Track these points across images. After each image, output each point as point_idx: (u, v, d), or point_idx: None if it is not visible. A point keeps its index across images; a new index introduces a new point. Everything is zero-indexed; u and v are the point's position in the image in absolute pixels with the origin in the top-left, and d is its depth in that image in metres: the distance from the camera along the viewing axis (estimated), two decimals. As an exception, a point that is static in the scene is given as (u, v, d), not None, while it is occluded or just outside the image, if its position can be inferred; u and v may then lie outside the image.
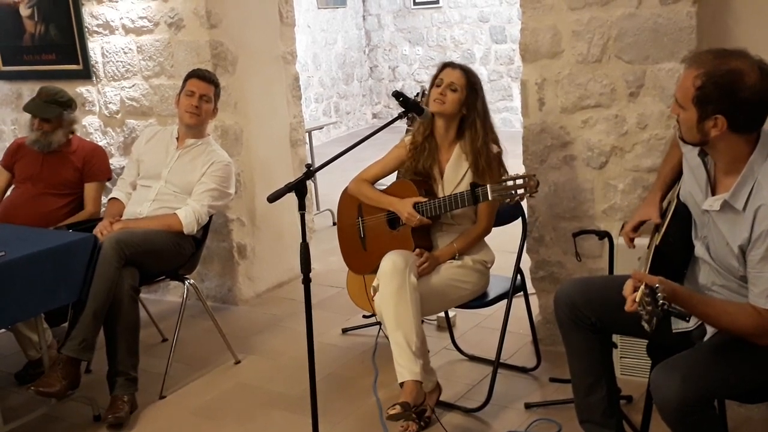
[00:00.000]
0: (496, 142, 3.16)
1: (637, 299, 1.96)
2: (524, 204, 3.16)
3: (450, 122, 3.15)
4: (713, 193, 2.22)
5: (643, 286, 1.97)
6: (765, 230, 2.05)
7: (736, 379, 2.14)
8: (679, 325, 2.38)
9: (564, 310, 2.52)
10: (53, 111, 3.96)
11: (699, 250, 2.31)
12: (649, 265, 2.31)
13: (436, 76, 3.16)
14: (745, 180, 2.11)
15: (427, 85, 3.32)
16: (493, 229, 3.25)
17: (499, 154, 3.15)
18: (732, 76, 2.04)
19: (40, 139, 3.97)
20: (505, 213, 3.31)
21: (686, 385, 2.03)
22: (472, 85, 3.11)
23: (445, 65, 3.17)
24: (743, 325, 2.09)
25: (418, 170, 3.20)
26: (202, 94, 3.70)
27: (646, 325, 1.94)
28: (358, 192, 3.33)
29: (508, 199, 2.90)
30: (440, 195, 3.15)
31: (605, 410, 2.54)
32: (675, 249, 2.35)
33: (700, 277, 2.32)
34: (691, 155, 2.34)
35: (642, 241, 2.64)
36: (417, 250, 3.09)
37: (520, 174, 2.92)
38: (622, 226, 3.09)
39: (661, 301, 1.92)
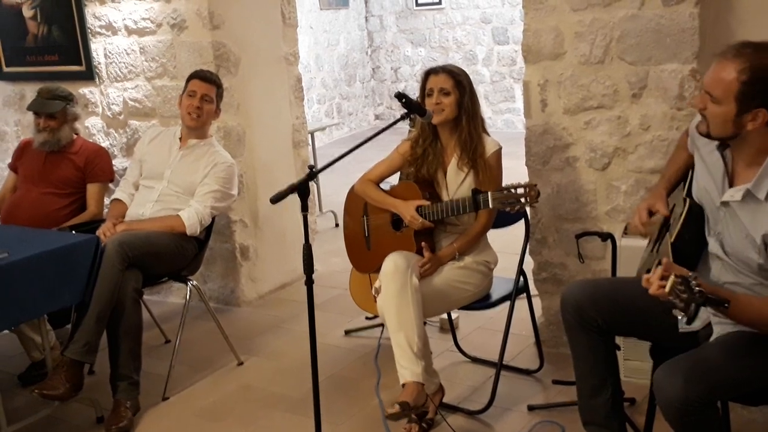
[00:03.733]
0: (484, 128, 3.17)
1: (667, 289, 1.93)
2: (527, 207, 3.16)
3: (451, 125, 3.15)
4: (731, 186, 2.22)
5: (673, 276, 1.94)
6: None
7: (739, 380, 2.13)
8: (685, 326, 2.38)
9: (570, 312, 2.51)
10: (57, 105, 3.98)
11: (713, 246, 2.30)
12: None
13: (424, 87, 3.15)
14: (767, 170, 2.12)
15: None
16: (496, 230, 3.25)
17: (498, 152, 3.14)
18: None
19: (49, 139, 3.99)
20: (509, 215, 3.29)
21: (689, 384, 2.03)
22: (458, 83, 3.11)
23: (428, 73, 3.16)
24: None
25: (421, 175, 3.20)
26: (203, 94, 3.71)
27: (682, 314, 1.91)
28: (363, 192, 3.33)
29: (509, 208, 2.90)
30: (444, 197, 3.15)
31: (608, 412, 2.54)
32: (689, 246, 2.34)
33: (712, 274, 2.31)
34: (706, 150, 2.32)
35: (642, 243, 2.63)
36: (423, 243, 3.09)
37: (522, 183, 2.92)
38: (625, 229, 3.10)
39: (697, 289, 1.90)
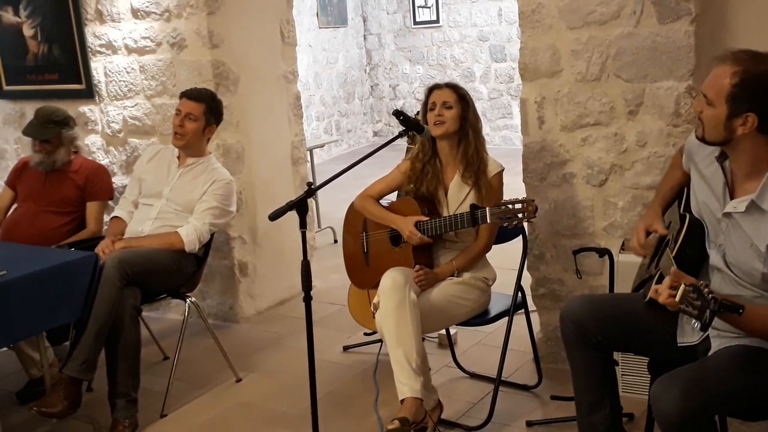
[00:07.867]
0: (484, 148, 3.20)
1: (678, 297, 1.96)
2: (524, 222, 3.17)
3: (452, 140, 3.17)
4: (731, 197, 2.24)
5: (683, 285, 1.97)
6: None
7: (737, 393, 2.13)
8: (684, 339, 2.38)
9: (570, 328, 2.51)
10: (51, 131, 3.98)
11: (714, 258, 2.31)
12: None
13: (426, 102, 3.19)
14: None
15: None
16: (494, 246, 3.26)
17: (501, 173, 3.17)
18: None
19: (44, 160, 4.00)
20: (506, 230, 3.30)
21: (686, 397, 2.03)
22: (462, 97, 3.16)
23: (432, 88, 3.21)
24: None
25: (421, 193, 3.22)
26: (187, 113, 3.71)
27: (696, 322, 1.94)
28: (363, 208, 3.35)
29: (506, 223, 2.92)
30: (444, 214, 3.17)
31: (607, 429, 2.53)
32: (690, 260, 2.35)
33: (712, 287, 2.31)
34: (705, 163, 2.35)
35: (638, 259, 2.64)
36: (417, 266, 3.10)
37: (520, 198, 2.94)
38: (622, 245, 3.11)
39: (710, 296, 1.93)
